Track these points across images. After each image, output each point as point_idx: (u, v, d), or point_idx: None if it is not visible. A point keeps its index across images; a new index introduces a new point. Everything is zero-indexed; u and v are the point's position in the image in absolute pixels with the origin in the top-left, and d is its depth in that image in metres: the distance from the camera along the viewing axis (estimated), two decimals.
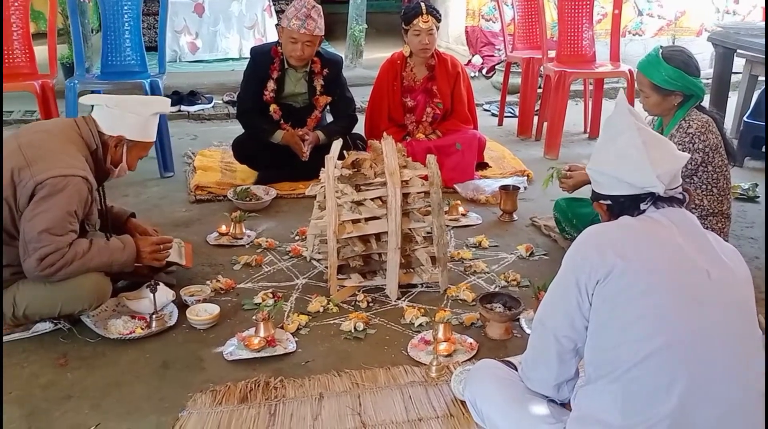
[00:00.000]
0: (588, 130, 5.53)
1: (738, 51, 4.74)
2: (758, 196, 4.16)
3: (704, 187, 2.94)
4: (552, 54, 5.16)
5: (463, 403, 2.17)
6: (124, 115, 2.66)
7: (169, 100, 2.97)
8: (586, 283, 1.70)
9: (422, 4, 4.20)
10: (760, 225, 3.78)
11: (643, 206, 1.77)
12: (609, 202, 1.85)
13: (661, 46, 2.96)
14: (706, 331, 1.61)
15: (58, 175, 2.43)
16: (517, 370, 2.00)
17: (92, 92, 4.31)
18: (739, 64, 5.05)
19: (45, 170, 2.43)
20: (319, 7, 3.99)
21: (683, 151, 2.85)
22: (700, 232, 1.77)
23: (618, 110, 1.88)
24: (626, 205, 1.80)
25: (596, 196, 1.91)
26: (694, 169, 2.90)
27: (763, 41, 4.48)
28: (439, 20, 4.26)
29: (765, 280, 2.83)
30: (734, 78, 5.40)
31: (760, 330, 1.77)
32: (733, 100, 5.22)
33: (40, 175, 2.42)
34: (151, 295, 2.61)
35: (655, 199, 1.77)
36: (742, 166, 4.57)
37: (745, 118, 4.84)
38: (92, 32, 6.82)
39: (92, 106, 2.75)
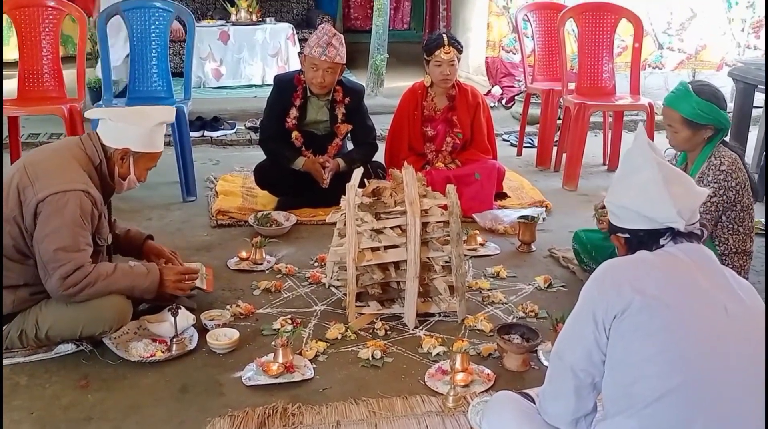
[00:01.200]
0: (607, 162, 5.53)
1: (759, 86, 4.74)
2: None
3: (731, 226, 2.93)
4: (572, 86, 5.20)
5: None
6: (127, 128, 2.67)
7: (173, 109, 2.97)
8: (603, 317, 1.70)
9: (444, 36, 4.26)
10: None
11: (662, 241, 1.77)
12: (627, 235, 1.85)
13: (689, 82, 2.96)
14: (724, 369, 1.61)
15: (58, 192, 2.46)
16: (534, 402, 2.00)
17: None
18: (760, 98, 5.05)
19: (45, 188, 2.47)
20: (341, 35, 4.06)
21: (719, 189, 2.84)
22: (717, 268, 1.77)
23: (637, 144, 1.88)
24: (645, 239, 1.80)
25: (614, 229, 1.90)
26: (727, 207, 2.88)
27: None
28: (460, 51, 4.31)
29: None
30: (755, 112, 5.39)
31: None
32: (752, 135, 5.21)
33: (41, 193, 2.46)
34: (172, 318, 2.64)
35: (675, 234, 1.77)
36: (763, 202, 4.54)
37: (766, 153, 4.82)
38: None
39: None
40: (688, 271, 1.71)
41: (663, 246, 1.77)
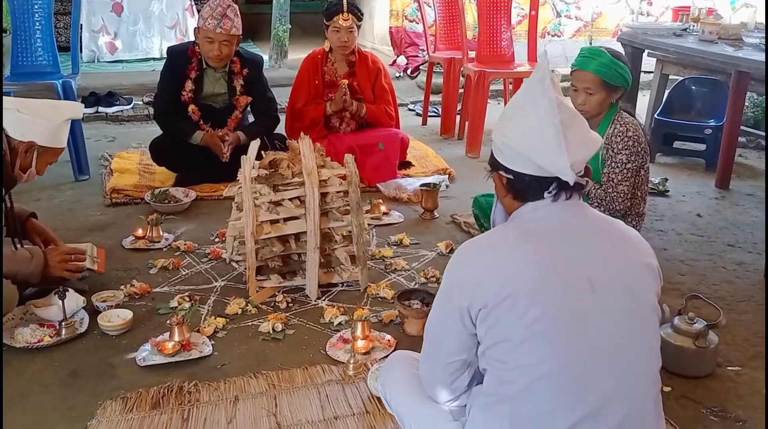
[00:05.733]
0: None
1: (648, 51, 4.91)
2: (668, 191, 4.33)
3: (633, 190, 2.97)
4: (472, 54, 5.25)
5: (379, 399, 2.18)
6: (36, 121, 2.61)
7: (82, 105, 2.97)
8: (468, 310, 1.61)
9: (344, 2, 4.19)
10: (669, 218, 3.94)
11: (546, 195, 1.64)
12: (511, 176, 1.67)
13: (601, 47, 2.98)
14: (592, 351, 1.54)
15: None
16: None
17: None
18: (649, 63, 5.25)
19: None
20: (235, 6, 3.94)
21: (630, 155, 2.87)
22: (590, 227, 1.67)
23: (538, 78, 1.64)
24: (530, 186, 1.64)
25: (497, 166, 1.71)
26: (636, 172, 2.94)
27: (669, 41, 4.67)
28: (360, 19, 4.27)
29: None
30: (644, 77, 5.61)
31: (660, 321, 1.70)
32: (644, 99, 5.42)
33: None
34: (60, 301, 2.53)
35: (561, 186, 1.62)
36: (653, 162, 4.74)
37: (656, 116, 5.03)
38: (5, 32, 6.55)
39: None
40: (554, 245, 1.61)
41: (542, 198, 1.65)
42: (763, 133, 5.17)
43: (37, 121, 2.61)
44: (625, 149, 2.89)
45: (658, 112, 5.04)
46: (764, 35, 4.42)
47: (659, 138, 4.92)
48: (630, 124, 2.93)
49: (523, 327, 1.53)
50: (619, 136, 2.92)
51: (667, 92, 5.23)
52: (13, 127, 2.60)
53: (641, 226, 3.15)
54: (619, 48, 4.45)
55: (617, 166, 2.91)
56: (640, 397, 1.59)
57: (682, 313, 2.53)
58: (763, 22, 4.49)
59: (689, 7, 5.37)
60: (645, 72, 5.27)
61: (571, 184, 1.60)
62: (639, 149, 2.93)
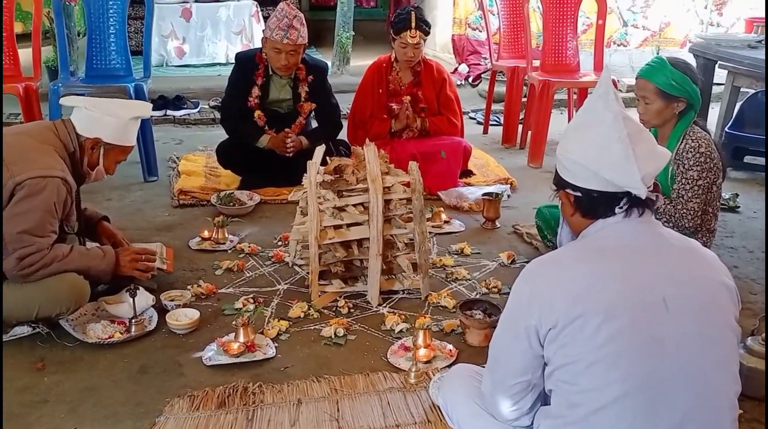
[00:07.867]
0: None
1: (720, 63, 4.78)
2: (738, 207, 4.20)
3: (703, 206, 2.91)
4: (537, 63, 5.20)
5: (441, 409, 2.17)
6: (102, 118, 2.67)
7: (150, 105, 3.01)
8: (536, 330, 1.58)
9: (412, 16, 4.16)
10: (739, 234, 3.82)
11: (617, 210, 1.61)
12: (579, 193, 1.65)
13: (668, 57, 2.95)
14: (666, 373, 1.51)
15: (38, 176, 2.45)
16: None
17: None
18: (720, 75, 5.10)
19: (24, 171, 2.44)
20: (301, 15, 3.99)
21: (701, 172, 2.81)
22: (664, 244, 1.63)
23: (601, 92, 1.65)
24: (600, 202, 1.62)
25: (563, 184, 1.69)
26: (707, 188, 2.88)
27: (743, 53, 4.53)
28: (427, 33, 4.27)
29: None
30: (716, 89, 5.45)
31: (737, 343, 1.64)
32: (714, 112, 5.27)
33: (19, 175, 2.43)
34: (131, 299, 2.60)
35: (632, 201, 1.60)
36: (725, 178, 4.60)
37: (726, 129, 4.88)
38: (78, 35, 6.79)
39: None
40: (628, 264, 1.58)
41: (613, 215, 1.63)
42: None
43: (104, 118, 2.67)
44: (697, 166, 2.82)
45: (728, 125, 4.90)
46: None
47: (729, 152, 4.76)
48: (702, 139, 2.86)
49: (593, 348, 1.51)
50: (691, 151, 2.85)
51: (738, 105, 5.08)
52: (81, 124, 2.68)
53: (711, 243, 3.07)
54: (691, 59, 4.35)
55: (688, 183, 2.84)
56: (715, 423, 1.54)
57: (755, 333, 2.45)
58: None
59: (764, 18, 5.20)
60: (716, 84, 5.11)
61: (643, 197, 1.58)
62: (711, 166, 2.86)
